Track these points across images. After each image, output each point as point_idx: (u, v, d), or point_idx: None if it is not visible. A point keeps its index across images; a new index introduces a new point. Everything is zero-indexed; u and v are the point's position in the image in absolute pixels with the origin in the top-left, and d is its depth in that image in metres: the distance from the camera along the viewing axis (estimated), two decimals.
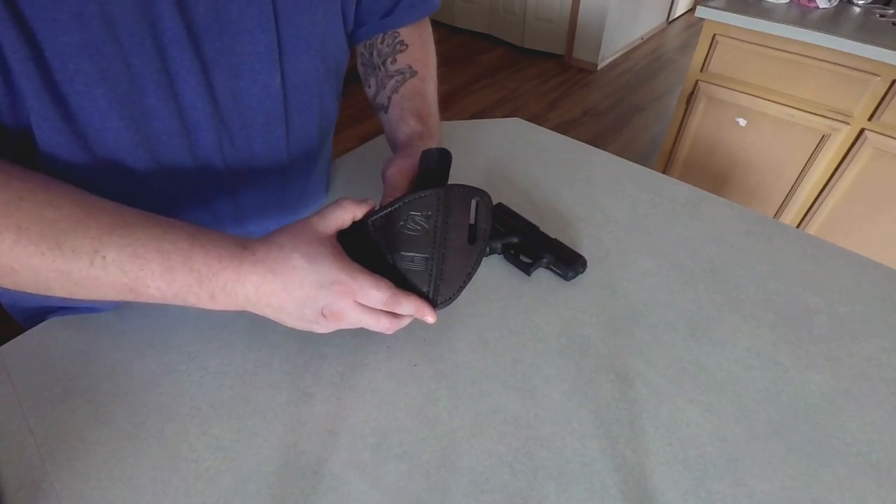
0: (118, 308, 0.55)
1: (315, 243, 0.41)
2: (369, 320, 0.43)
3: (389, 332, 0.45)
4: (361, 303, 0.42)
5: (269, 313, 0.42)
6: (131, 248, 0.36)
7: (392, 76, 0.60)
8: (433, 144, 0.55)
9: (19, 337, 0.52)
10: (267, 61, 0.47)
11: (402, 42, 0.61)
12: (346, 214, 0.44)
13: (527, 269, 0.59)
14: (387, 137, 0.61)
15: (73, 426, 0.45)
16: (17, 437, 0.44)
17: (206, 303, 0.40)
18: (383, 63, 0.61)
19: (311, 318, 0.42)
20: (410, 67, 0.60)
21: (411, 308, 0.44)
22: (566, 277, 0.59)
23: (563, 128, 2.76)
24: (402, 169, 0.51)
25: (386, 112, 0.60)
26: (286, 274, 0.40)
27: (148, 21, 0.39)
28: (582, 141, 0.83)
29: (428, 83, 0.61)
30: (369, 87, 0.63)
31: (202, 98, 0.45)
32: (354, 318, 0.43)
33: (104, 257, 0.36)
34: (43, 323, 0.53)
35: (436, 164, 0.49)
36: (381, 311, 0.44)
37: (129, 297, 0.38)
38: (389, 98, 0.59)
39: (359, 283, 0.41)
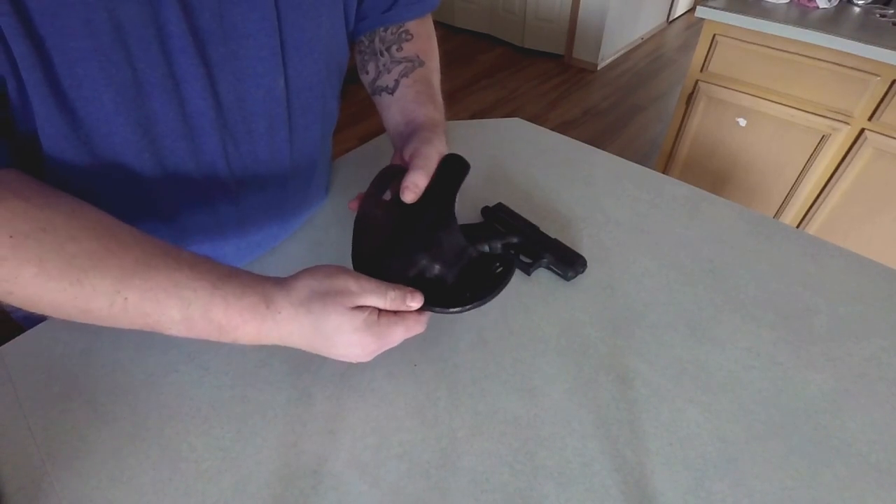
0: None
1: (346, 316, 0.41)
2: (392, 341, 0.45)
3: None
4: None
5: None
6: (152, 292, 0.37)
7: (399, 62, 0.59)
8: (443, 134, 0.55)
9: (19, 337, 0.52)
10: (270, 65, 0.47)
11: (407, 32, 0.61)
12: (381, 303, 0.43)
13: (527, 269, 0.59)
14: (390, 116, 0.59)
15: (73, 426, 0.45)
16: (17, 437, 0.44)
17: (230, 342, 0.41)
18: (387, 49, 0.60)
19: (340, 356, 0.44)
20: (418, 57, 0.60)
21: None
22: (566, 277, 0.59)
23: (563, 128, 2.76)
24: (435, 155, 0.50)
25: (392, 94, 0.59)
26: (311, 338, 0.41)
27: (155, 26, 0.39)
28: (582, 141, 0.83)
29: (434, 75, 0.61)
30: (367, 72, 0.62)
31: (207, 102, 0.45)
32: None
33: (126, 299, 0.36)
34: (43, 323, 0.53)
35: (449, 181, 0.49)
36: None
37: (148, 331, 0.39)
38: (398, 81, 0.59)
39: (386, 340, 0.43)
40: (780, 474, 0.43)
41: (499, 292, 0.45)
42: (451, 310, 0.45)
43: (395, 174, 0.49)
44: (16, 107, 0.38)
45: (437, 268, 0.46)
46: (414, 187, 0.47)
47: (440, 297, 0.45)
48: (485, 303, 0.45)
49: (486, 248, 0.60)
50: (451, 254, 0.46)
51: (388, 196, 0.50)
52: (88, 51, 0.37)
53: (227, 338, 0.40)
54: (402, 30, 0.61)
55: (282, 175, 0.56)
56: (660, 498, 0.41)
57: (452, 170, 0.49)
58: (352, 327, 0.41)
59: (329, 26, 0.52)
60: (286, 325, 0.40)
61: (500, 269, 0.47)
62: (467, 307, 0.44)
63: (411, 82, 0.58)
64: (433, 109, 0.56)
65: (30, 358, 0.50)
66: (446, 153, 0.51)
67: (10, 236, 0.34)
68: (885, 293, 0.58)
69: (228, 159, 0.50)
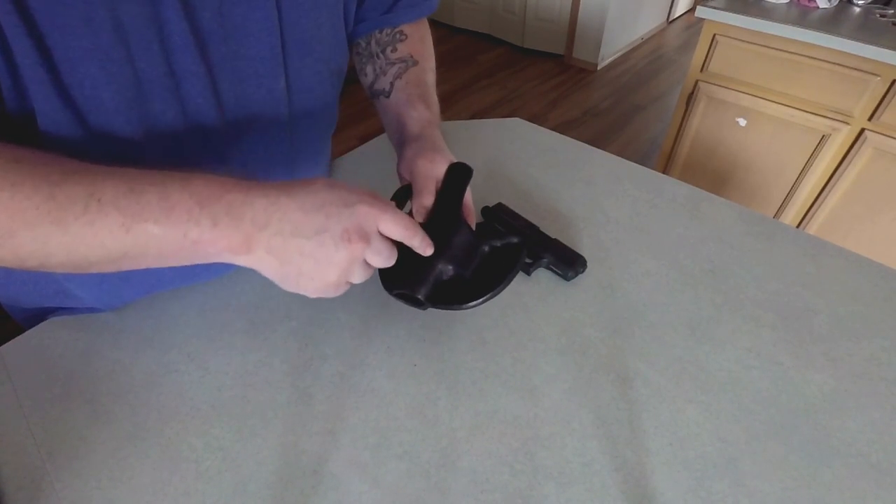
0: (118, 308, 0.55)
1: (336, 182, 0.40)
2: (385, 250, 0.40)
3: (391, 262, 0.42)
4: (382, 231, 0.40)
5: (276, 244, 0.37)
6: (126, 185, 0.35)
7: (394, 63, 0.60)
8: (439, 132, 0.56)
9: (19, 337, 0.52)
10: (271, 65, 0.47)
11: (401, 32, 0.61)
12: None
13: (527, 269, 0.59)
14: (388, 121, 0.60)
15: (73, 426, 0.45)
16: (17, 437, 0.44)
17: (207, 234, 0.36)
18: (382, 51, 0.61)
19: (331, 245, 0.37)
20: (412, 57, 0.60)
21: (418, 240, 0.42)
22: (566, 277, 0.59)
23: (563, 128, 2.76)
24: (432, 171, 0.50)
25: (388, 97, 0.60)
26: (303, 196, 0.37)
27: (155, 25, 0.39)
28: (582, 141, 0.83)
29: (428, 73, 0.62)
30: (365, 75, 0.63)
31: (208, 102, 0.45)
32: (377, 246, 0.39)
33: (99, 199, 0.34)
34: (43, 323, 0.53)
35: (454, 186, 0.51)
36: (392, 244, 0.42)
37: (128, 243, 0.35)
38: (392, 83, 0.59)
39: (383, 203, 0.40)
40: (780, 474, 0.43)
41: (510, 279, 0.48)
42: (468, 305, 0.47)
43: (409, 190, 0.51)
44: (12, 105, 0.38)
45: (451, 269, 0.47)
46: (421, 208, 0.48)
47: (460, 296, 0.47)
48: (498, 291, 0.47)
49: (498, 244, 0.60)
50: (464, 254, 0.48)
51: (407, 209, 0.51)
52: (89, 49, 0.37)
53: (207, 213, 0.35)
54: (396, 30, 0.61)
55: (282, 174, 0.56)
56: (660, 498, 0.41)
57: (457, 177, 0.51)
58: (323, 183, 0.38)
59: (329, 27, 0.52)
60: (274, 188, 0.37)
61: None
62: (480, 300, 0.46)
63: (404, 84, 0.59)
64: (423, 109, 0.57)
65: (30, 358, 0.50)
66: (451, 161, 0.52)
67: None
68: (885, 293, 0.58)
69: (228, 158, 0.50)
